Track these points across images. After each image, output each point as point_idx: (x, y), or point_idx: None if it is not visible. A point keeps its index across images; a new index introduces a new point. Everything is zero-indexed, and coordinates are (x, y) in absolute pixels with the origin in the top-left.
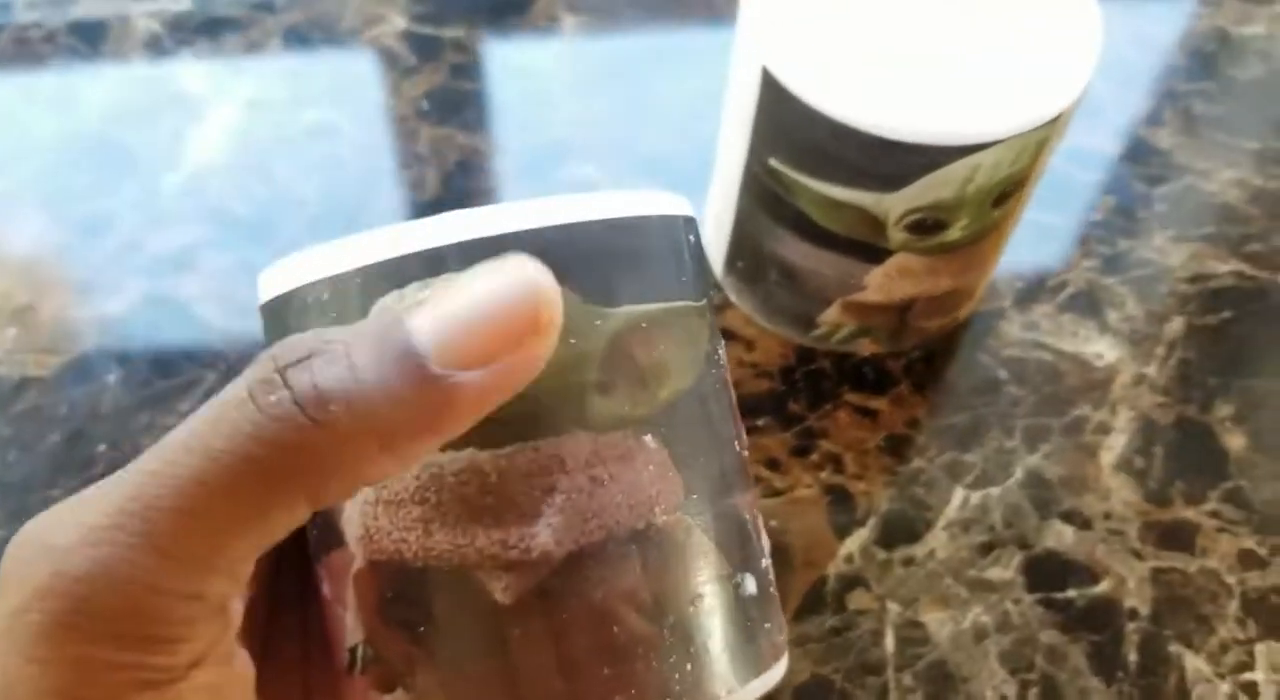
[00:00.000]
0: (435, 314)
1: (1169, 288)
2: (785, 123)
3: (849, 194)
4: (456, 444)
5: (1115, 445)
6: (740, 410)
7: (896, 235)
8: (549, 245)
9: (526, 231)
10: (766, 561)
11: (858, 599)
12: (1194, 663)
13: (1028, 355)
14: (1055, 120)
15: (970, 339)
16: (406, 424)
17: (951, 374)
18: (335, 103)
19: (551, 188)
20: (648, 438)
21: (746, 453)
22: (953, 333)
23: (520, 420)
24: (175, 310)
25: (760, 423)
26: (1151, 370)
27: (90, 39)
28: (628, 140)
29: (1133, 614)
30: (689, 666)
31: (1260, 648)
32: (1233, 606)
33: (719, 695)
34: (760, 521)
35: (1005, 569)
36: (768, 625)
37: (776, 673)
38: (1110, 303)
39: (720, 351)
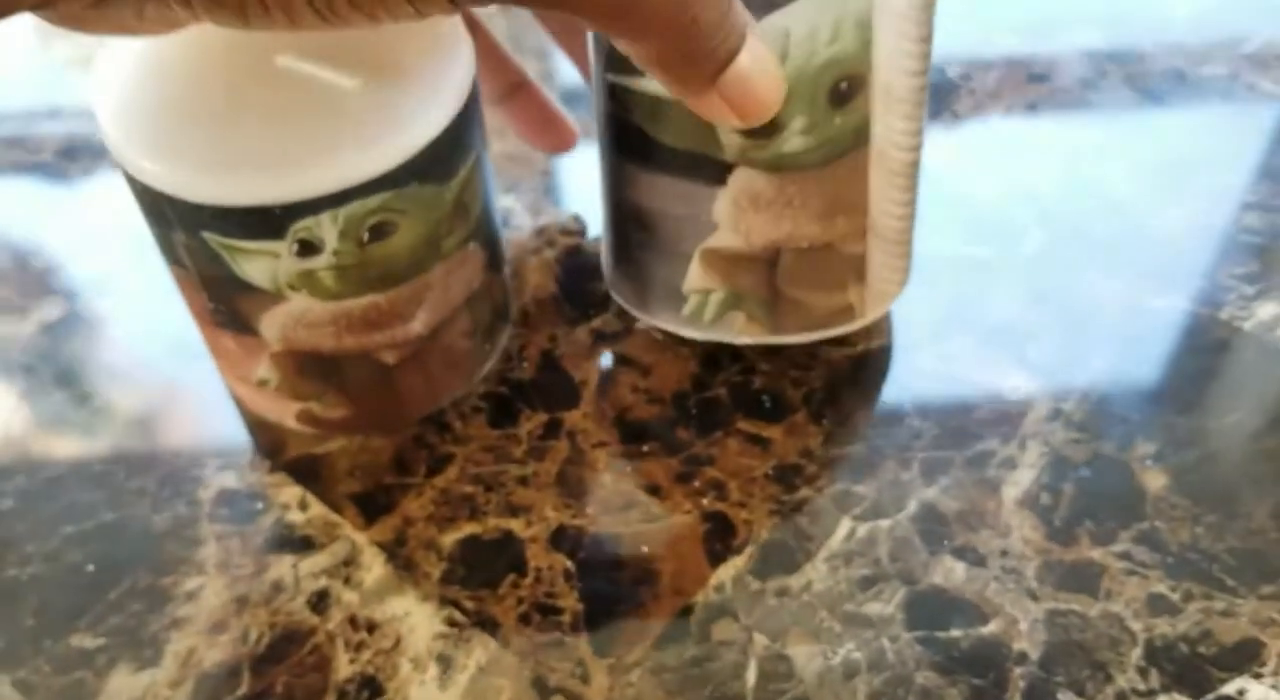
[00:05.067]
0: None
1: (1097, 322)
2: None
3: None
4: (359, 292)
5: (1021, 481)
6: (628, 436)
7: (731, 139)
8: None
9: None
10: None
11: (723, 629)
12: None
13: (937, 388)
14: None
15: (877, 370)
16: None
17: (853, 404)
18: None
19: None
20: (471, 245)
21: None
22: (860, 362)
23: (405, 271)
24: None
25: (645, 448)
26: (1069, 405)
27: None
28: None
29: (1021, 658)
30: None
31: (1163, 699)
32: (1135, 654)
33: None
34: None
35: (886, 604)
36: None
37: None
38: (1032, 336)
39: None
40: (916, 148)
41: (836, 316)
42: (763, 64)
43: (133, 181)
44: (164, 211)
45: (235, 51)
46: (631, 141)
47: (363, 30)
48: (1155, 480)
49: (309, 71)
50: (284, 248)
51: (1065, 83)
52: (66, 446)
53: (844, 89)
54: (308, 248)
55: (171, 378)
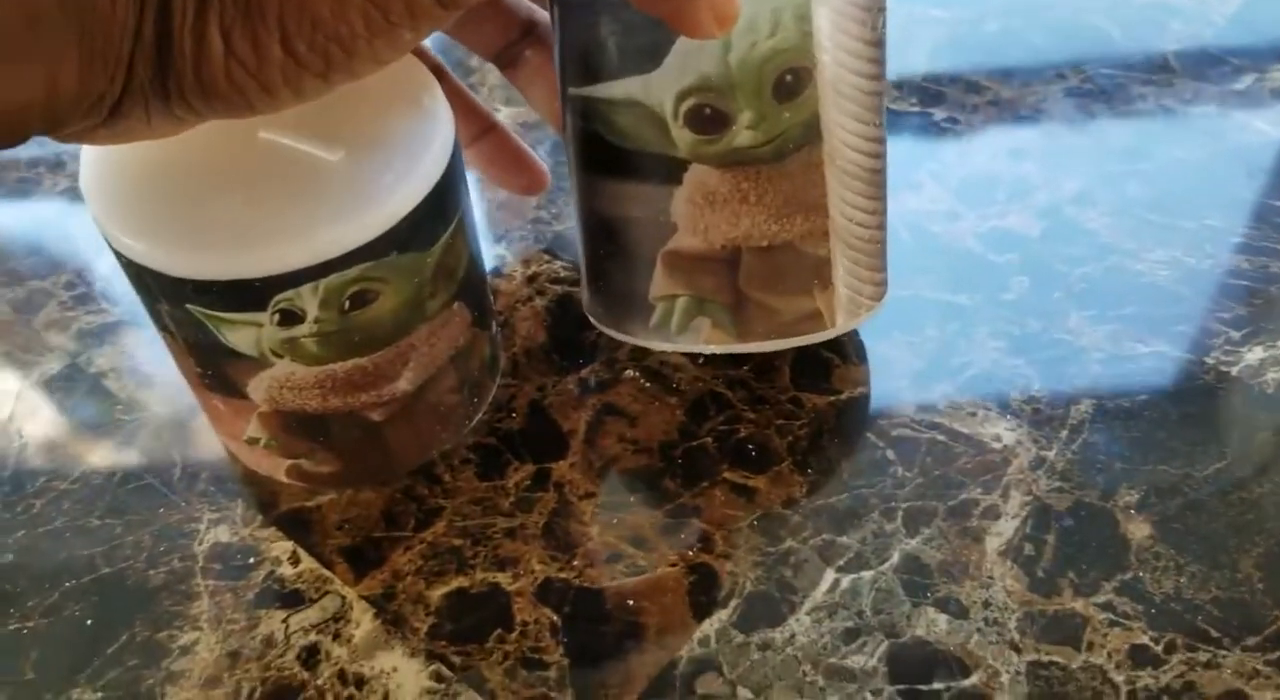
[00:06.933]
0: None
1: (1080, 369)
2: (565, 31)
3: (622, 87)
4: (343, 357)
5: (1004, 531)
6: (615, 487)
7: (682, 135)
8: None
9: None
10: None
11: (707, 683)
12: None
13: (919, 436)
14: None
15: (861, 418)
16: None
17: (837, 453)
18: None
19: None
20: (456, 305)
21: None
22: (843, 410)
23: (388, 334)
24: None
25: (632, 499)
26: (1052, 454)
27: None
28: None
29: None
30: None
31: None
32: None
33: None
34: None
35: (869, 657)
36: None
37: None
38: (1014, 383)
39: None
40: (875, 153)
41: (804, 323)
42: None
43: (119, 255)
44: (149, 284)
45: (218, 125)
46: (595, 153)
47: (350, 97)
48: (1139, 529)
49: (291, 144)
50: (266, 318)
51: (1051, 125)
52: (64, 500)
53: (789, 82)
54: (289, 317)
55: (165, 430)
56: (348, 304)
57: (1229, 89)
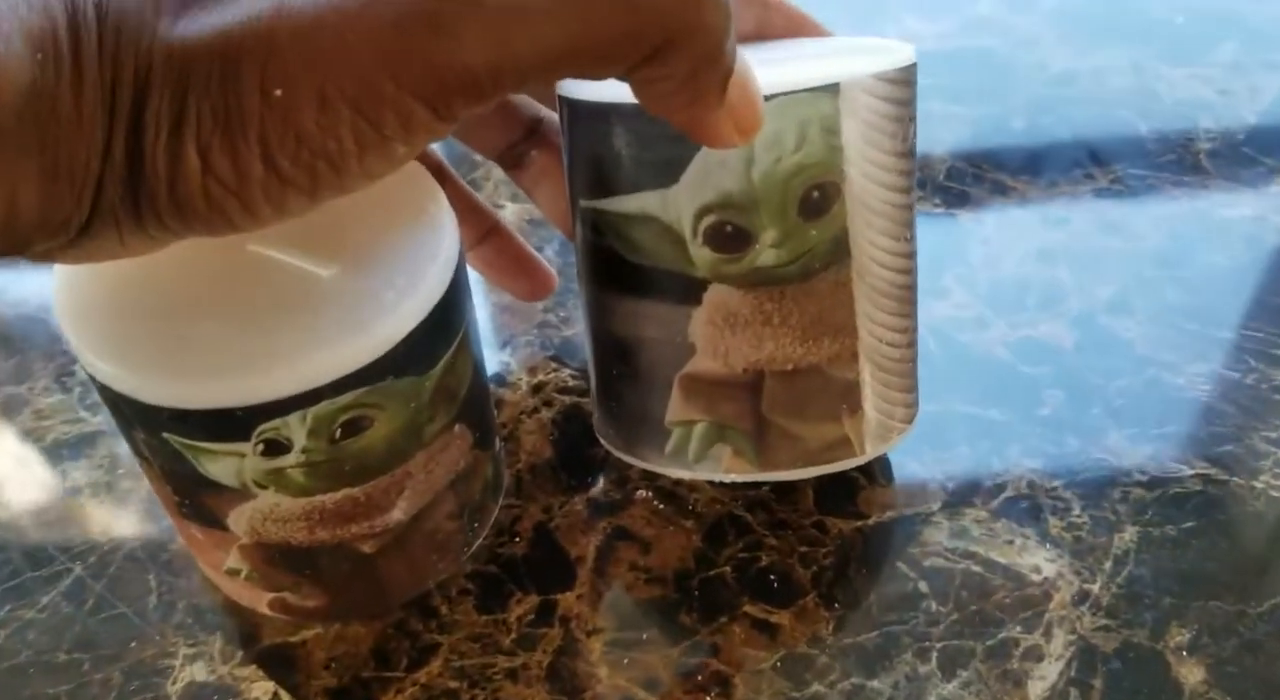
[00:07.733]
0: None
1: (1122, 493)
2: (576, 140)
3: (637, 202)
4: (332, 488)
5: (1048, 675)
6: (626, 621)
7: (701, 254)
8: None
9: None
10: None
11: None
12: None
13: (954, 566)
14: (830, 92)
15: (890, 545)
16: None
17: (865, 584)
18: None
19: None
20: (457, 427)
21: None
22: (871, 536)
23: (382, 463)
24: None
25: (644, 636)
26: (1096, 587)
27: None
28: None
29: None
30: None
31: None
32: None
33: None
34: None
35: None
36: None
37: None
38: (1053, 509)
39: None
40: (906, 269)
41: (831, 451)
42: (746, 66)
43: (91, 377)
44: (122, 409)
45: (203, 240)
46: (608, 268)
47: (346, 205)
48: (1192, 673)
49: (280, 258)
50: (249, 448)
51: (1081, 226)
52: (30, 630)
53: (816, 198)
54: (275, 447)
55: (141, 553)
56: (338, 432)
57: (1264, 190)
